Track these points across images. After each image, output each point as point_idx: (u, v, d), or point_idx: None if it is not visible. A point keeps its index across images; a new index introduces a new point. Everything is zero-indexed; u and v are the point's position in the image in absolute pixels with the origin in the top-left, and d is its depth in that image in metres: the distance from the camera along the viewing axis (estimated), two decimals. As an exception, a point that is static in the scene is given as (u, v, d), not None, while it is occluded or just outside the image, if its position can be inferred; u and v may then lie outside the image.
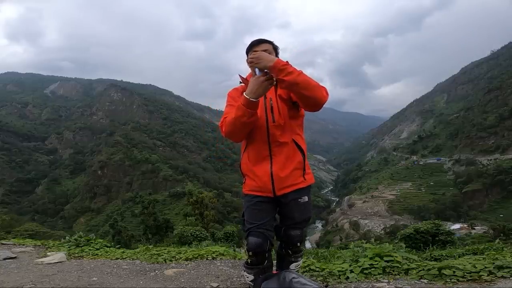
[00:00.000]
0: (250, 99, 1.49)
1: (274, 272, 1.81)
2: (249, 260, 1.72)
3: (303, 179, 1.69)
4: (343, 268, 2.16)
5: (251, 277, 1.72)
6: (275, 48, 1.76)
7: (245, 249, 1.74)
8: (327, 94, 1.57)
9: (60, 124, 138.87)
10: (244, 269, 1.77)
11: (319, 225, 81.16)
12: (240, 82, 1.78)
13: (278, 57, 1.67)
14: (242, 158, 1.77)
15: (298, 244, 1.78)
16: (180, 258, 2.85)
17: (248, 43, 1.76)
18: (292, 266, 1.81)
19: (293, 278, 1.64)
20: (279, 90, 1.69)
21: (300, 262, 1.89)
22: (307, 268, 2.26)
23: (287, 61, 1.54)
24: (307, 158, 1.76)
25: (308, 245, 46.25)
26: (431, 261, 2.69)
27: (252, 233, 1.65)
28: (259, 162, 1.67)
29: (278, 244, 1.86)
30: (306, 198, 1.71)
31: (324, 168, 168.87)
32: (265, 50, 1.65)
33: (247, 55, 1.72)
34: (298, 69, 1.52)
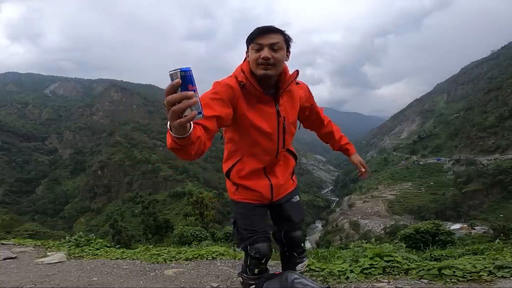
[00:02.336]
0: (174, 135, 0.96)
1: (277, 272, 1.81)
2: (256, 270, 1.56)
3: (292, 181, 1.69)
4: (343, 268, 2.16)
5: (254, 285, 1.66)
6: (287, 40, 1.35)
7: (249, 259, 1.58)
8: None
9: (60, 124, 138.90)
10: (249, 277, 1.61)
11: (319, 225, 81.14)
12: (242, 85, 1.34)
13: (289, 52, 1.38)
14: (233, 168, 1.52)
15: (302, 244, 1.75)
16: (180, 258, 2.85)
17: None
18: (299, 267, 1.78)
19: (295, 279, 1.64)
20: (295, 103, 1.49)
21: (306, 262, 1.86)
22: (307, 268, 2.26)
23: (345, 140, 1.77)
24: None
25: (308, 245, 46.24)
26: (431, 261, 2.69)
27: (259, 239, 1.51)
28: (255, 177, 1.51)
29: (280, 247, 1.82)
30: (297, 198, 1.69)
31: (324, 168, 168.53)
32: (274, 44, 1.29)
33: (248, 46, 1.35)
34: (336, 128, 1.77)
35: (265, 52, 1.27)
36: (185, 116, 0.85)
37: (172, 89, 0.82)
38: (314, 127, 1.78)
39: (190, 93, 0.82)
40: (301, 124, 1.73)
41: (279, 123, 1.42)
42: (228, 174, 1.54)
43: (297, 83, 1.50)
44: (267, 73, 1.30)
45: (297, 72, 1.42)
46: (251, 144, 1.44)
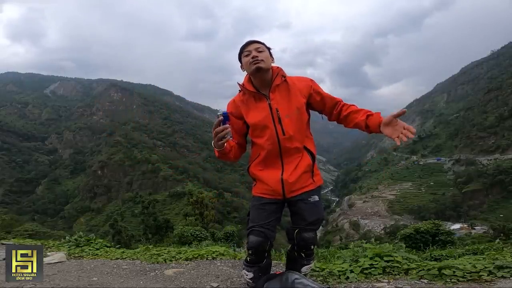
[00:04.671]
0: (218, 149, 1.62)
1: (278, 272, 1.81)
2: (248, 258, 1.72)
3: (312, 181, 1.71)
4: (343, 268, 2.15)
5: (251, 274, 1.72)
6: (268, 48, 1.71)
7: (245, 247, 1.73)
8: None
9: (60, 124, 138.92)
10: (244, 267, 1.77)
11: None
12: (240, 91, 1.75)
13: (273, 57, 1.71)
14: (252, 163, 1.76)
15: (312, 246, 1.74)
16: (180, 258, 2.85)
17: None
18: (304, 268, 1.78)
19: (296, 279, 1.63)
20: (292, 97, 1.67)
21: (312, 265, 1.86)
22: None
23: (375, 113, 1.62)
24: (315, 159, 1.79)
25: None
26: (431, 261, 2.69)
27: (253, 231, 1.64)
28: (270, 169, 1.69)
29: (290, 247, 1.83)
30: (316, 198, 1.70)
31: (324, 168, 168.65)
32: (258, 47, 1.65)
33: (240, 61, 1.70)
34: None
35: (253, 52, 1.63)
36: (224, 138, 1.56)
37: (218, 124, 1.53)
38: (336, 115, 1.75)
39: (227, 126, 1.55)
40: (327, 117, 1.84)
41: (273, 114, 1.64)
42: (248, 168, 1.79)
43: (283, 76, 1.69)
44: (258, 65, 1.61)
45: (277, 68, 1.71)
46: (256, 137, 1.71)
